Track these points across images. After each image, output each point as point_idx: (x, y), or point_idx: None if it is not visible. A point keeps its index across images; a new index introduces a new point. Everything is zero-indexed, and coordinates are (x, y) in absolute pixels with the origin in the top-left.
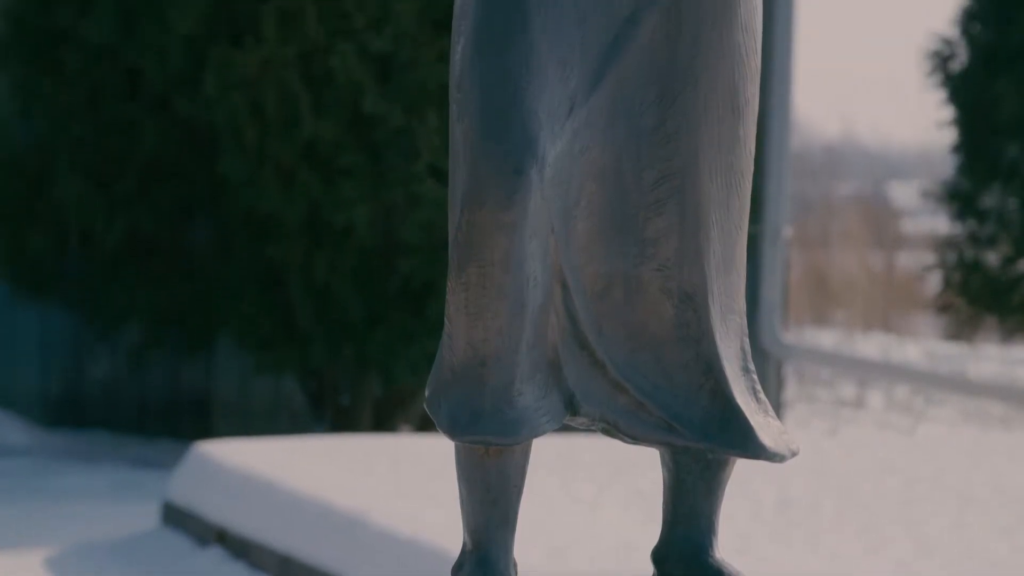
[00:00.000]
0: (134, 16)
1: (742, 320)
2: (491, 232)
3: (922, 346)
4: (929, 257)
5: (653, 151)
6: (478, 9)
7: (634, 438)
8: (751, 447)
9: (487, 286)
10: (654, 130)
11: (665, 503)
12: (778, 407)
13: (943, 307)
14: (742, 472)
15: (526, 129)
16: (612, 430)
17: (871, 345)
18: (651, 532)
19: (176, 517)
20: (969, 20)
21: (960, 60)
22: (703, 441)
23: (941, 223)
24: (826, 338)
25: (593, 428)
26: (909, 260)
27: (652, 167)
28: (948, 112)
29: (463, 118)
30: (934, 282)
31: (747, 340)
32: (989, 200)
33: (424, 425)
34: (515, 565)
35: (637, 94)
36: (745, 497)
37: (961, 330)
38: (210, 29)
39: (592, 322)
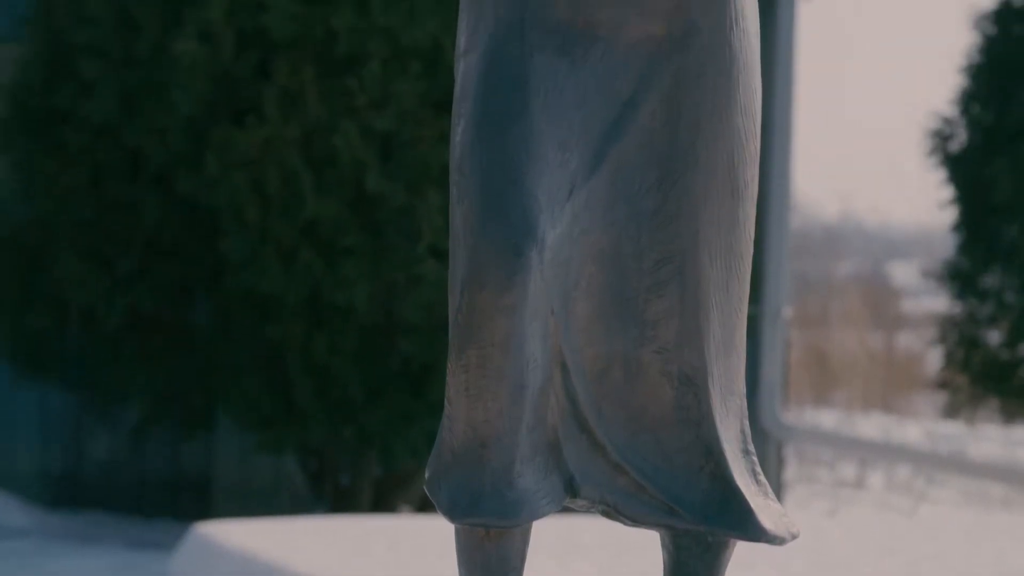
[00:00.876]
0: (135, 97)
1: (742, 402)
2: (491, 314)
3: (923, 426)
4: (930, 336)
5: (653, 233)
6: (478, 92)
7: (634, 520)
8: (751, 530)
9: (487, 368)
10: (654, 213)
11: None
12: (778, 488)
13: (944, 384)
14: (742, 554)
15: (526, 212)
16: (612, 512)
17: (871, 425)
18: None
19: None
20: (969, 100)
21: (960, 140)
22: (703, 524)
23: (941, 303)
24: (826, 418)
25: (593, 510)
26: (909, 340)
27: (652, 249)
28: (948, 192)
29: (463, 200)
30: (935, 360)
31: (747, 422)
32: (989, 280)
33: (424, 506)
34: None
35: (637, 177)
36: None
37: (962, 410)
38: (211, 109)
39: (592, 404)
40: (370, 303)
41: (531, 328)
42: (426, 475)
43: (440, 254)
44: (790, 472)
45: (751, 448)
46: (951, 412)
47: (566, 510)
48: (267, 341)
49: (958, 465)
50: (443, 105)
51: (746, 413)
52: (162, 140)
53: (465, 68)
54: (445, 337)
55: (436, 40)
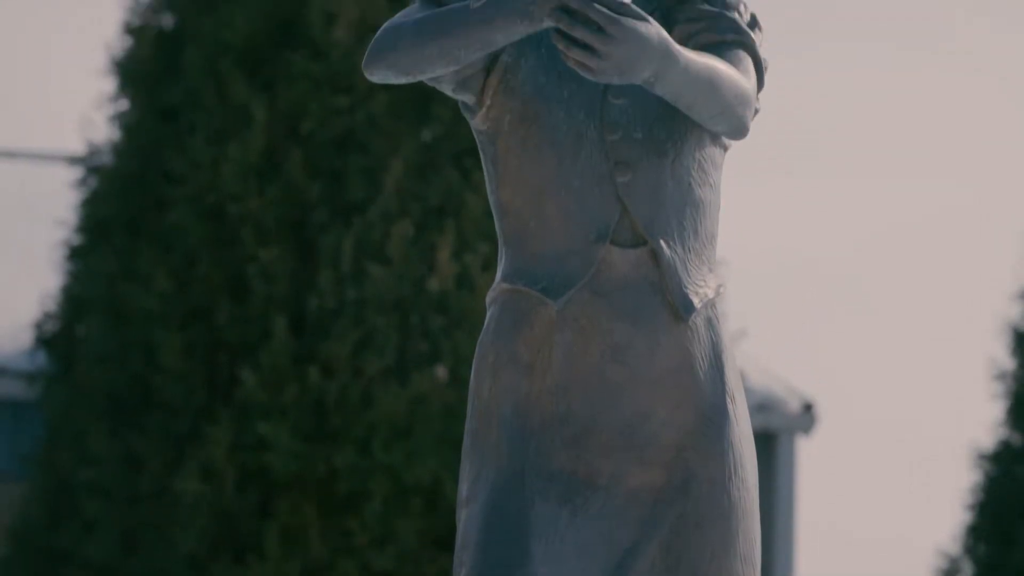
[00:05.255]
0: (137, 535)
1: None
2: None
3: None
4: None
5: None
6: (480, 542)
7: None
8: None
9: None
10: None
11: None
12: None
13: None
14: None
15: None
16: None
17: None
18: None
19: None
20: (975, 539)
21: None
22: None
23: None
24: None
25: None
26: None
27: None
28: None
29: None
30: None
31: None
32: None
33: None
34: None
35: None
36: None
37: None
38: (212, 547)
39: None
40: None
41: None
42: None
43: None
44: None
45: None
46: None
47: None
48: None
49: None
50: (444, 543)
51: None
52: None
53: (468, 517)
54: None
55: (437, 478)
